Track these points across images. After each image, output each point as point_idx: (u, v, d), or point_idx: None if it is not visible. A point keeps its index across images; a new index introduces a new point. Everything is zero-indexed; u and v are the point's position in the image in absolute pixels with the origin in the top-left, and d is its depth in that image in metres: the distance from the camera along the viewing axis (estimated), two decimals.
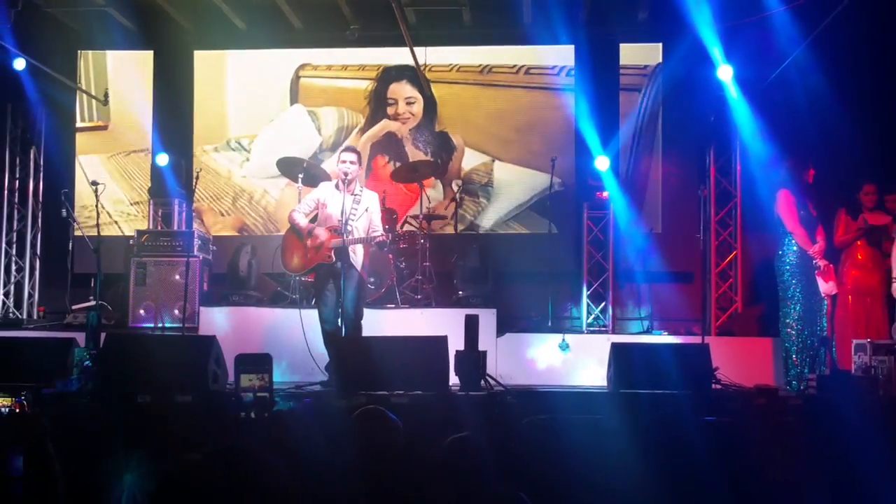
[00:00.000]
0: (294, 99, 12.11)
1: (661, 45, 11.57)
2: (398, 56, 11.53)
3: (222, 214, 12.03)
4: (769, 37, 9.79)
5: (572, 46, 11.53)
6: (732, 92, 9.98)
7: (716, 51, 9.84)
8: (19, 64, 10.50)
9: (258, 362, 6.67)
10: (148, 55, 12.10)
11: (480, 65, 11.86)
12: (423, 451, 4.32)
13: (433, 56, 11.71)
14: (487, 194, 11.74)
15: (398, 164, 11.57)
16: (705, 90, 10.37)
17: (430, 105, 11.85)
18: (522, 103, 11.82)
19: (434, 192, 11.43)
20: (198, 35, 11.95)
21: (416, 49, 10.69)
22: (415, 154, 11.79)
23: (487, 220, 11.71)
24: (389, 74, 11.95)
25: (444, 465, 3.91)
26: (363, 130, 11.93)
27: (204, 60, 12.17)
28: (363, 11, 11.38)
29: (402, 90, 11.94)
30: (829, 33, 9.38)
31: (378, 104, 11.95)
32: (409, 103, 11.91)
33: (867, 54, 10.40)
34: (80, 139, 12.22)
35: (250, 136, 12.08)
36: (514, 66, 11.81)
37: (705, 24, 9.71)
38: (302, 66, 12.11)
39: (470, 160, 11.80)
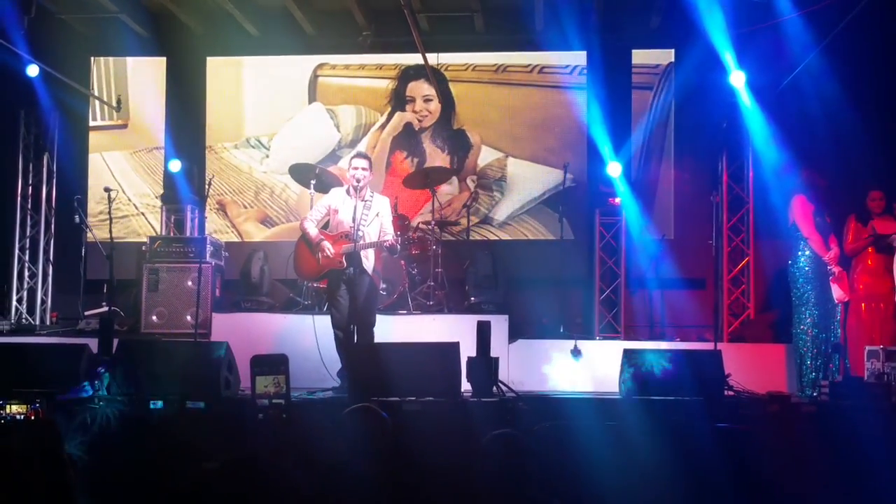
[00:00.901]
0: (312, 98, 12.19)
1: (673, 50, 11.57)
2: (414, 57, 11.53)
3: (245, 207, 12.12)
4: (782, 43, 9.78)
5: (584, 52, 11.55)
6: (745, 98, 9.95)
7: (728, 56, 9.82)
8: (32, 70, 10.52)
9: (274, 363, 6.67)
10: (161, 60, 12.16)
11: (495, 64, 11.97)
12: (435, 458, 4.32)
13: (449, 56, 11.86)
14: (501, 189, 11.87)
15: (412, 167, 11.68)
16: (718, 96, 10.34)
17: (448, 103, 11.93)
18: (535, 101, 11.90)
19: (449, 186, 11.52)
20: (210, 42, 12.00)
21: (428, 55, 10.71)
22: (432, 151, 11.90)
23: (501, 214, 11.83)
24: (408, 73, 12.04)
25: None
26: (383, 127, 12.01)
27: (221, 61, 12.24)
28: (376, 17, 11.43)
29: (421, 88, 12.03)
30: (842, 39, 9.36)
31: (398, 102, 12.06)
32: (426, 101, 11.99)
33: (880, 59, 10.38)
34: (102, 137, 12.30)
35: (269, 135, 12.17)
36: (528, 65, 11.90)
37: (718, 30, 9.69)
38: (320, 66, 12.18)
39: (484, 156, 11.91)
